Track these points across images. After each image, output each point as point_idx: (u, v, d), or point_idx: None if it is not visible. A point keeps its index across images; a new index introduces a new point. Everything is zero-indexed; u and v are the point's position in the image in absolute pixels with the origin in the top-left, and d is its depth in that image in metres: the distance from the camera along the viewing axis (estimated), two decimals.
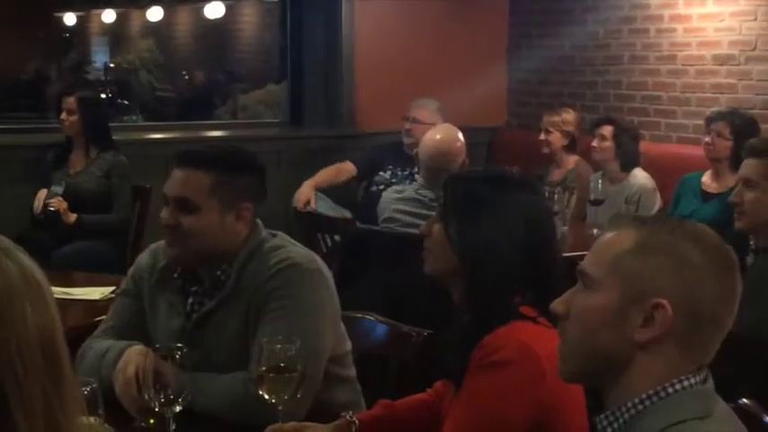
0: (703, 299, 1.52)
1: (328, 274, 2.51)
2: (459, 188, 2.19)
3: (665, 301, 1.49)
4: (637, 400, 1.51)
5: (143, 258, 2.63)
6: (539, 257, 2.11)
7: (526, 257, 2.09)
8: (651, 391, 1.51)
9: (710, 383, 1.55)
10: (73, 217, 5.00)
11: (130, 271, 2.64)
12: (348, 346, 2.56)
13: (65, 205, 4.96)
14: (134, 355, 2.30)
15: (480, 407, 1.99)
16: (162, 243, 2.57)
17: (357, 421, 2.25)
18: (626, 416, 1.52)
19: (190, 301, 2.50)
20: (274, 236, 2.54)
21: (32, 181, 5.38)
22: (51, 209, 4.92)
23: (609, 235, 1.60)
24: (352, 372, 2.56)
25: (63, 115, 5.30)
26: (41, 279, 1.22)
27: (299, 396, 2.14)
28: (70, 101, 5.31)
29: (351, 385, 2.55)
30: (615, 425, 1.53)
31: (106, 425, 1.98)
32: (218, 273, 2.46)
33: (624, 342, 1.52)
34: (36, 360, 1.16)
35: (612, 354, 1.54)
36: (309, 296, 2.42)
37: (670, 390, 1.51)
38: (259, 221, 2.53)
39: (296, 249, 2.51)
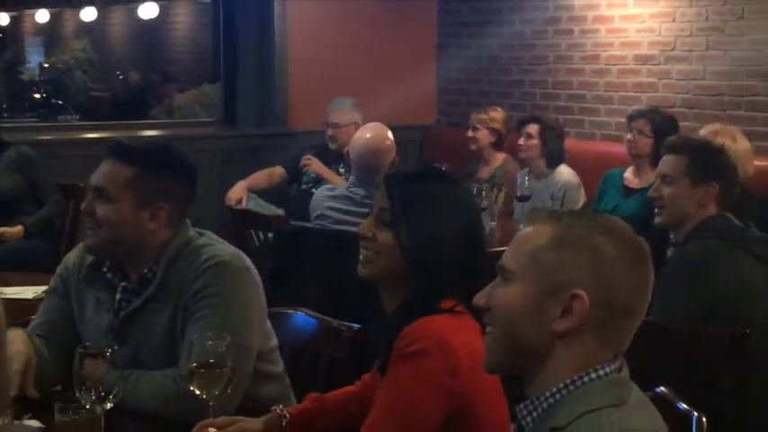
0: (618, 290, 1.53)
1: (255, 271, 2.49)
2: (405, 193, 2.15)
3: (582, 292, 1.51)
4: (555, 390, 1.52)
5: (71, 256, 2.60)
6: (475, 251, 2.13)
7: (466, 252, 2.10)
8: (568, 381, 1.52)
9: (626, 372, 1.56)
10: (18, 230, 4.95)
11: (58, 269, 2.61)
12: (274, 342, 2.55)
13: (9, 231, 4.92)
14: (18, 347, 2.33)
15: (397, 396, 1.99)
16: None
17: (287, 414, 2.25)
18: (545, 405, 1.53)
19: (118, 297, 2.47)
20: (202, 235, 2.51)
21: None
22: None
23: (526, 230, 1.61)
24: (280, 367, 2.55)
25: None
26: None
27: (229, 391, 2.13)
28: None
29: (279, 380, 2.54)
30: (535, 414, 1.54)
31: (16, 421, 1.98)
32: (146, 270, 2.44)
33: (543, 333, 1.53)
34: None
35: (533, 344, 1.54)
36: (237, 294, 2.40)
37: (586, 379, 1.52)
38: (187, 221, 2.50)
39: (223, 248, 2.49)
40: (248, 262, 2.49)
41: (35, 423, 2.12)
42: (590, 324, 1.52)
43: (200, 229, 2.53)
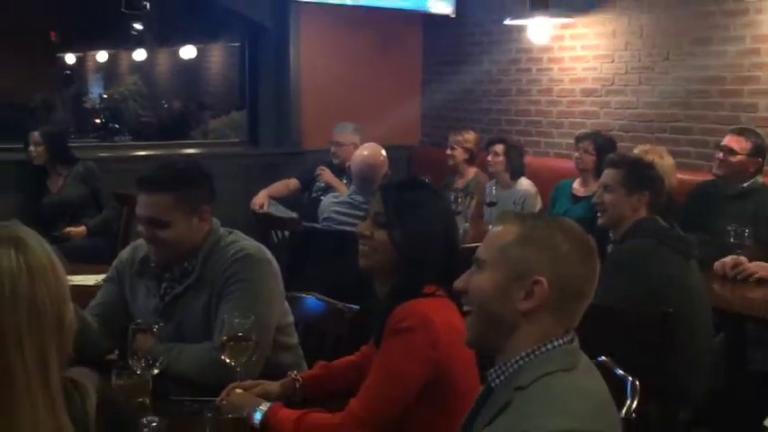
0: (571, 277, 1.54)
1: (275, 262, 2.48)
2: (397, 200, 2.15)
3: (542, 279, 1.51)
4: (519, 357, 1.53)
5: (124, 253, 2.60)
6: (452, 248, 2.13)
7: (445, 248, 2.10)
8: (530, 350, 1.53)
9: (576, 343, 1.57)
10: (82, 230, 5.00)
11: (114, 263, 2.60)
12: (291, 319, 2.55)
13: (74, 231, 4.98)
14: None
15: (388, 364, 1.99)
16: (140, 241, 2.54)
17: (300, 378, 2.25)
18: (511, 369, 1.54)
19: (163, 285, 2.46)
20: (230, 233, 2.50)
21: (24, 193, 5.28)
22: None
23: (497, 228, 1.61)
24: (295, 339, 2.55)
25: (31, 149, 5.14)
26: (56, 262, 1.31)
27: (253, 360, 2.14)
28: (35, 137, 5.15)
29: (294, 350, 2.53)
30: (503, 376, 1.55)
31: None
32: (186, 264, 2.43)
33: (510, 311, 1.53)
34: (49, 317, 1.25)
35: (502, 320, 1.55)
36: (260, 281, 2.40)
37: (544, 349, 1.53)
38: (216, 220, 2.49)
39: (248, 243, 2.48)
40: (269, 254, 2.48)
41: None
42: (548, 305, 1.53)
43: (228, 228, 2.52)
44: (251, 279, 2.37)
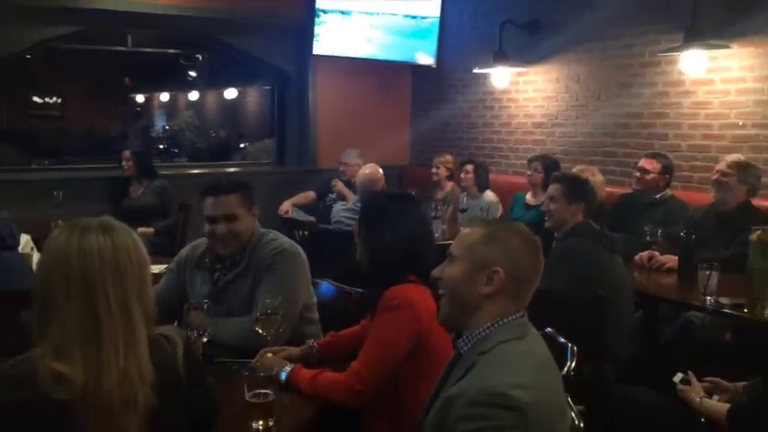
0: (522, 268, 1.54)
1: (304, 255, 2.47)
2: (366, 213, 2.16)
3: (500, 269, 1.52)
4: (482, 329, 1.53)
5: (184, 251, 2.59)
6: (422, 246, 2.11)
7: (412, 247, 2.08)
8: (490, 324, 1.53)
9: (526, 318, 1.57)
10: (150, 231, 5.01)
11: (176, 258, 2.60)
12: (314, 299, 2.54)
13: (144, 231, 4.99)
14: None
15: (381, 333, 1.99)
16: (196, 242, 2.53)
17: (316, 345, 2.24)
18: (475, 339, 1.54)
19: (216, 275, 2.45)
20: (270, 232, 2.50)
21: (110, 199, 5.32)
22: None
23: (466, 230, 1.62)
24: (316, 315, 2.54)
25: (123, 163, 5.33)
26: (138, 241, 1.40)
27: (280, 330, 2.14)
28: (126, 154, 5.35)
29: (315, 324, 2.53)
30: (470, 344, 1.55)
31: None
32: (236, 256, 2.42)
33: (475, 294, 1.54)
34: (130, 276, 1.34)
35: (468, 302, 1.55)
36: (291, 271, 2.39)
37: (501, 322, 1.53)
38: (257, 222, 2.48)
39: (284, 240, 2.47)
40: (299, 249, 2.47)
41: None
42: (504, 289, 1.53)
43: (268, 229, 2.51)
44: (284, 269, 2.37)
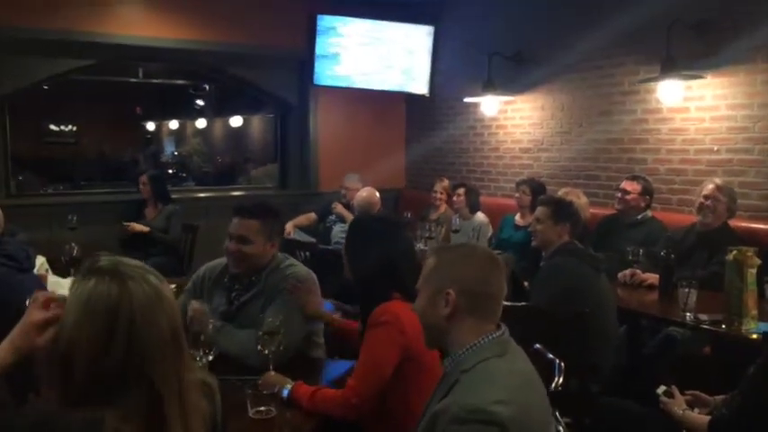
0: (469, 282, 1.53)
1: (316, 282, 2.47)
2: (354, 227, 2.19)
3: (450, 290, 1.52)
4: (462, 350, 1.52)
5: (201, 270, 2.57)
6: (401, 265, 2.10)
7: (396, 263, 2.08)
8: (469, 345, 1.51)
9: (506, 335, 1.54)
10: (144, 228, 5.06)
11: (193, 277, 2.58)
12: (321, 324, 2.51)
13: (137, 228, 5.06)
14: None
15: (371, 347, 1.99)
16: (213, 263, 2.52)
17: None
18: (458, 359, 1.52)
19: (233, 294, 2.44)
20: (287, 258, 2.49)
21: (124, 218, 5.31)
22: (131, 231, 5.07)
23: (427, 260, 1.61)
24: (322, 340, 2.52)
25: (140, 187, 5.33)
26: (167, 292, 1.15)
27: (281, 349, 2.12)
28: (143, 178, 5.33)
29: (321, 348, 2.52)
30: (453, 363, 1.53)
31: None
32: (253, 278, 2.41)
33: (439, 319, 1.54)
34: (169, 347, 1.12)
35: (436, 326, 1.55)
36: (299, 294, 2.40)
37: (481, 341, 1.51)
38: (277, 251, 2.48)
39: (300, 267, 2.47)
40: (313, 275, 2.45)
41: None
42: (462, 307, 1.52)
43: (285, 254, 2.49)
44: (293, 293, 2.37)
